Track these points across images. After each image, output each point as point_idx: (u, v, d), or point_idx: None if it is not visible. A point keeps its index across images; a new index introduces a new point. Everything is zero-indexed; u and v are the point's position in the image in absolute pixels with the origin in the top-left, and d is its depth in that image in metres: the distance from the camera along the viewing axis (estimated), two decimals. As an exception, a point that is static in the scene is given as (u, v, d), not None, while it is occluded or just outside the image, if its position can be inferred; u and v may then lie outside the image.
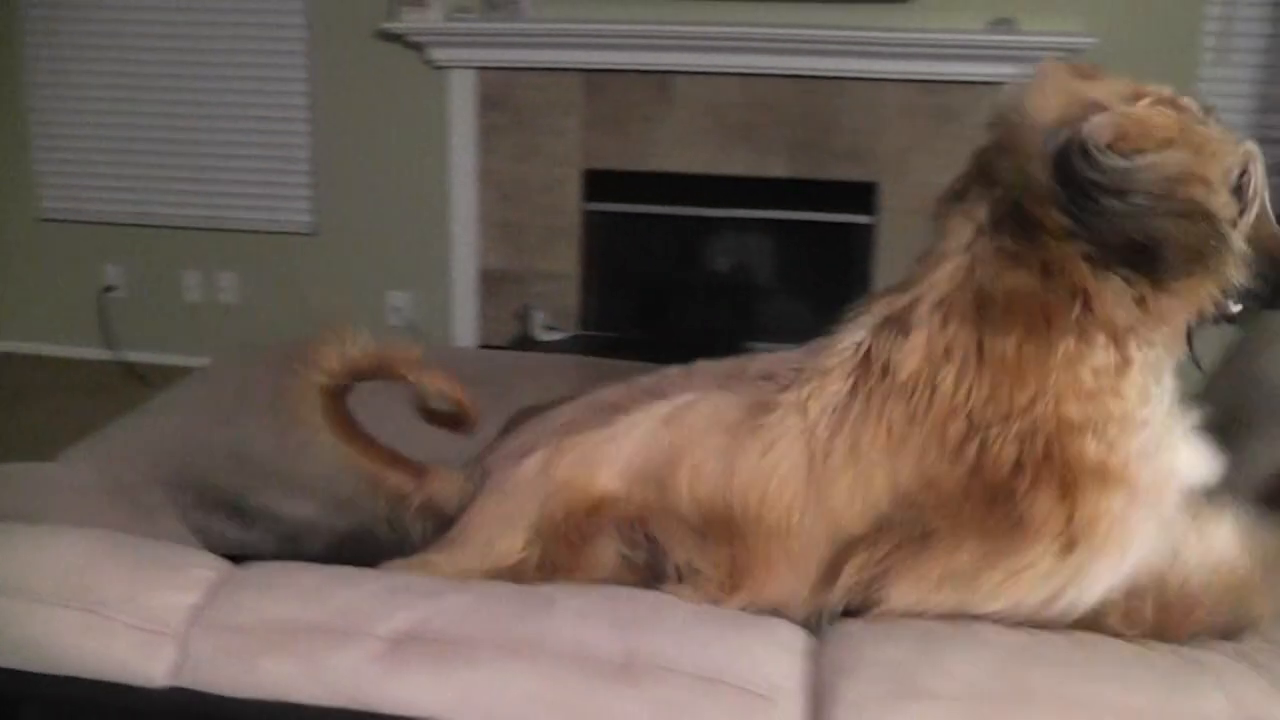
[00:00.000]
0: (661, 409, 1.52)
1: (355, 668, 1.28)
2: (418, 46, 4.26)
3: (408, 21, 4.18)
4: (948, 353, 1.38)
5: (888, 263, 4.23)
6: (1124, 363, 1.35)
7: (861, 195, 4.25)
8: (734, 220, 4.43)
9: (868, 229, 4.27)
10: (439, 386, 1.60)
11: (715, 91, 4.21)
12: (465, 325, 4.52)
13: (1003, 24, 4.04)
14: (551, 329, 4.37)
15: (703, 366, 1.64)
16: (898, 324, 1.42)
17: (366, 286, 4.59)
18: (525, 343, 4.35)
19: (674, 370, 1.66)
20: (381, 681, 1.27)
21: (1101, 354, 1.34)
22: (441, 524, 1.60)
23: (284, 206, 4.60)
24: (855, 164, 4.22)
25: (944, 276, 1.41)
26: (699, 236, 4.52)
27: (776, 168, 4.24)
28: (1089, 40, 3.98)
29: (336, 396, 1.59)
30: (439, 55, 4.25)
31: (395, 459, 1.63)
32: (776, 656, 1.33)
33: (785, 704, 1.27)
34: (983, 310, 1.37)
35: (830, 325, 1.49)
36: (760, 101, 4.20)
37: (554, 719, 1.25)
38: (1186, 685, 1.29)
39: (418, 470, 1.63)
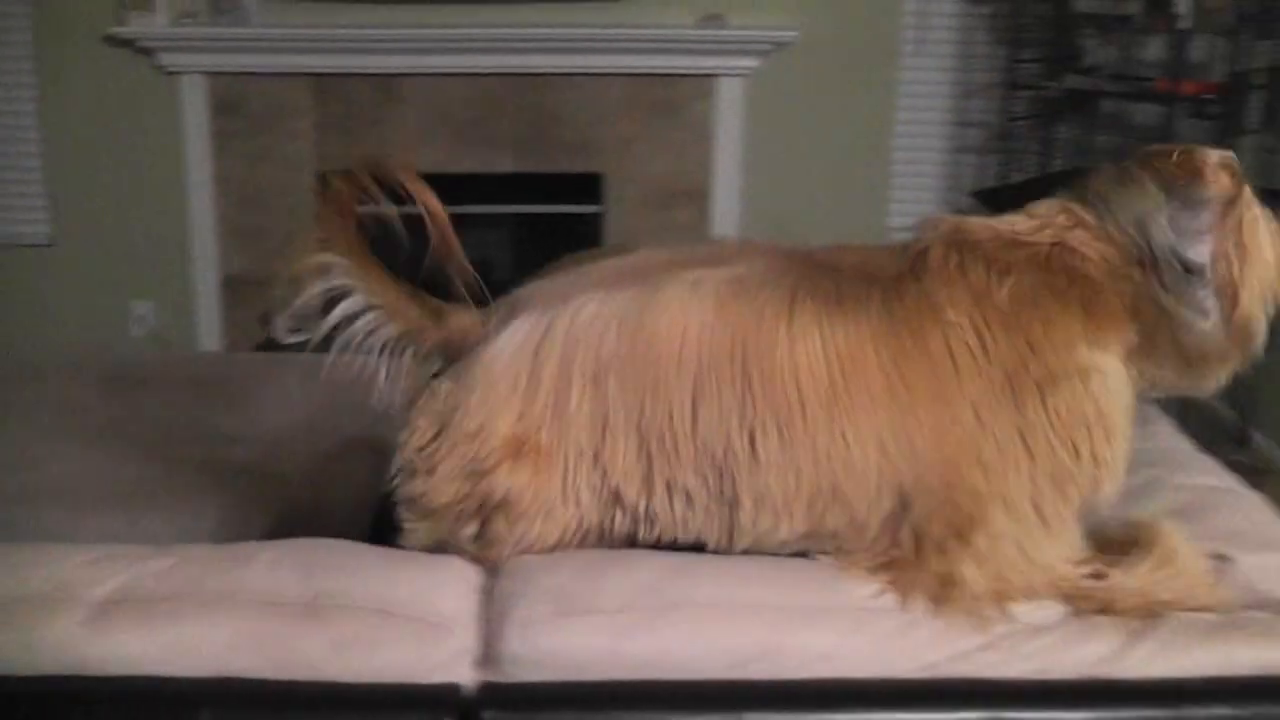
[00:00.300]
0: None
1: (65, 633, 1.39)
2: (147, 52, 4.32)
3: (134, 26, 4.23)
4: None
5: (615, 249, 4.42)
6: None
7: (588, 186, 4.45)
8: (468, 216, 4.56)
9: (596, 217, 4.50)
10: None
11: (441, 92, 4.37)
12: (210, 332, 4.57)
13: (712, 19, 4.29)
14: (295, 331, 4.41)
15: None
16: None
17: (108, 297, 4.59)
18: (271, 347, 4.39)
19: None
20: (90, 643, 1.39)
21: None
22: (452, 360, 1.61)
23: (18, 218, 4.57)
24: (580, 156, 4.43)
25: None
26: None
27: (505, 163, 4.43)
28: (793, 34, 4.23)
29: (360, 226, 1.65)
30: (168, 61, 4.31)
31: (414, 294, 1.66)
32: (453, 590, 1.50)
33: (459, 630, 1.45)
34: None
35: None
36: (485, 99, 4.38)
37: (250, 660, 1.40)
38: (833, 584, 1.50)
39: (436, 308, 1.66)
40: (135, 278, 4.58)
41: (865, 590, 1.49)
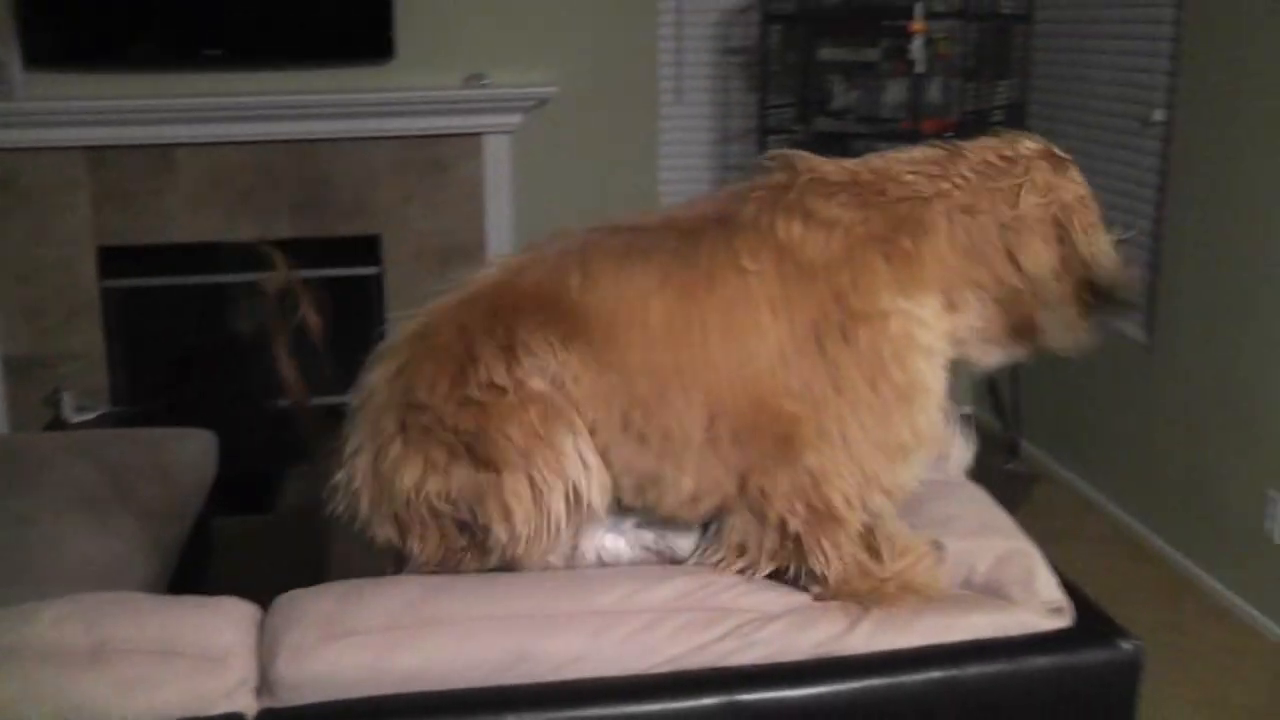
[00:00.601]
0: None
1: None
2: (-88, 128, 4.33)
3: (-106, 104, 4.24)
4: None
5: (397, 306, 4.60)
6: None
7: (366, 248, 4.61)
8: (248, 284, 4.68)
9: (375, 278, 4.63)
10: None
11: (217, 160, 4.45)
12: (-5, 413, 4.57)
13: (476, 79, 4.50)
14: (82, 409, 4.46)
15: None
16: None
17: (-114, 383, 4.57)
18: (58, 426, 4.39)
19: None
20: None
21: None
22: None
23: None
24: (357, 219, 4.57)
25: None
26: (217, 303, 4.70)
27: (281, 229, 4.50)
28: (552, 89, 4.50)
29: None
30: (-64, 138, 4.32)
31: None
32: (230, 625, 1.66)
33: (235, 662, 1.61)
34: None
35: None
36: (261, 166, 4.47)
37: (37, 711, 1.52)
38: (583, 592, 1.70)
39: None
40: (-85, 362, 4.56)
41: (610, 596, 1.69)
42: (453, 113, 4.49)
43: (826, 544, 1.70)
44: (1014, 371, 4.58)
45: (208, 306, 4.72)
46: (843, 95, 4.21)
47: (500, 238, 4.66)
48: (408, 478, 1.71)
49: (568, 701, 1.62)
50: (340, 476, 1.78)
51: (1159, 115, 3.86)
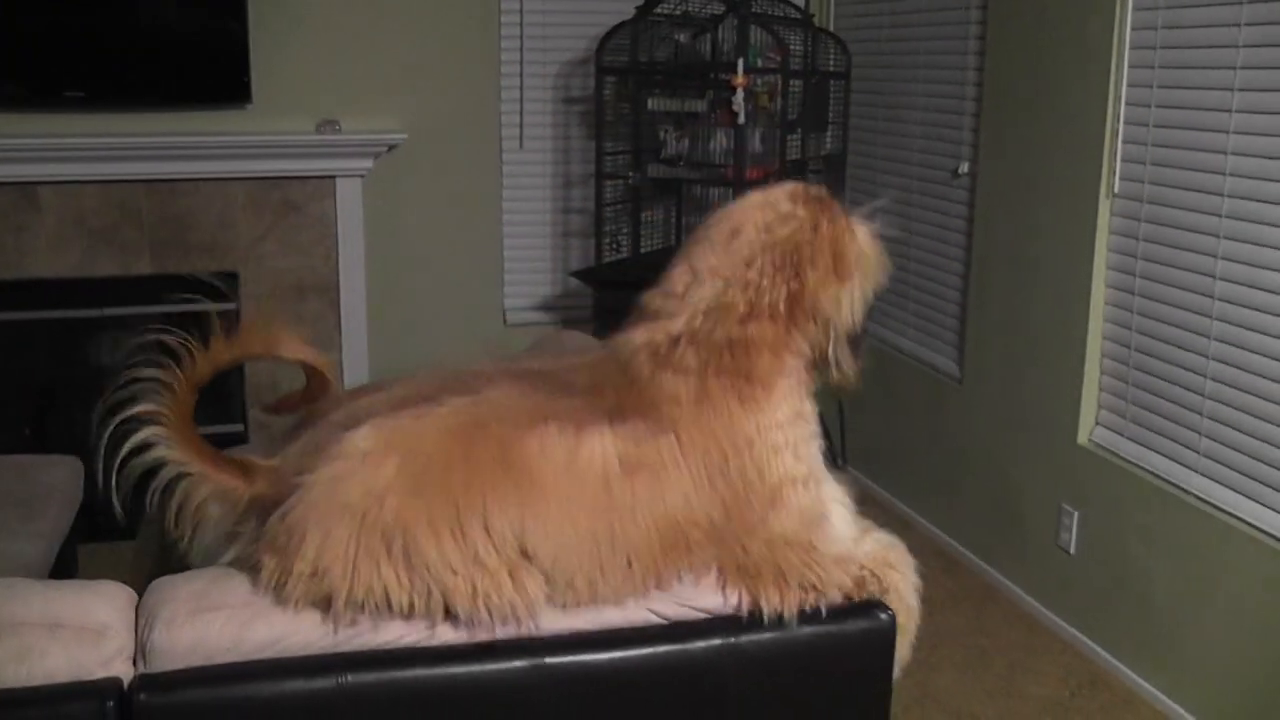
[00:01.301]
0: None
1: None
2: None
3: None
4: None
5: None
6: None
7: (224, 284, 4.81)
8: (110, 319, 4.87)
9: (234, 314, 4.83)
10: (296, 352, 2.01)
11: (79, 198, 4.64)
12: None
13: (329, 124, 4.78)
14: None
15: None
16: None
17: None
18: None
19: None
20: None
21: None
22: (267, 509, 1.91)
23: None
24: (214, 257, 4.79)
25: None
26: (80, 337, 4.88)
27: (142, 266, 4.71)
28: (401, 136, 4.79)
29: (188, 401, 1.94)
30: None
31: (222, 460, 1.96)
32: (110, 603, 1.90)
33: (113, 634, 1.86)
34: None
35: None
36: (121, 205, 4.66)
37: None
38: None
39: (245, 466, 1.97)
40: None
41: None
42: (306, 156, 4.75)
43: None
44: (839, 403, 4.98)
45: (72, 341, 4.88)
46: (674, 143, 4.57)
47: (353, 276, 4.94)
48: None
49: (395, 664, 1.89)
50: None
51: (964, 168, 4.28)
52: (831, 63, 4.61)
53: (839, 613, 2.08)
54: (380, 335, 5.01)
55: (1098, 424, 3.73)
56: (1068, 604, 3.84)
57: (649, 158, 4.64)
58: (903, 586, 2.20)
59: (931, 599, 3.91)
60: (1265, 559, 3.07)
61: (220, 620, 1.89)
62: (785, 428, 2.01)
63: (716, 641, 2.01)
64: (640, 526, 1.93)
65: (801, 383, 2.06)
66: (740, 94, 4.19)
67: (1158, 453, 3.48)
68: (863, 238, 2.10)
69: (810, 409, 2.08)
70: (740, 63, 4.18)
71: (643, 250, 4.83)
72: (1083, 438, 3.75)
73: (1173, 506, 3.38)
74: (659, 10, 4.42)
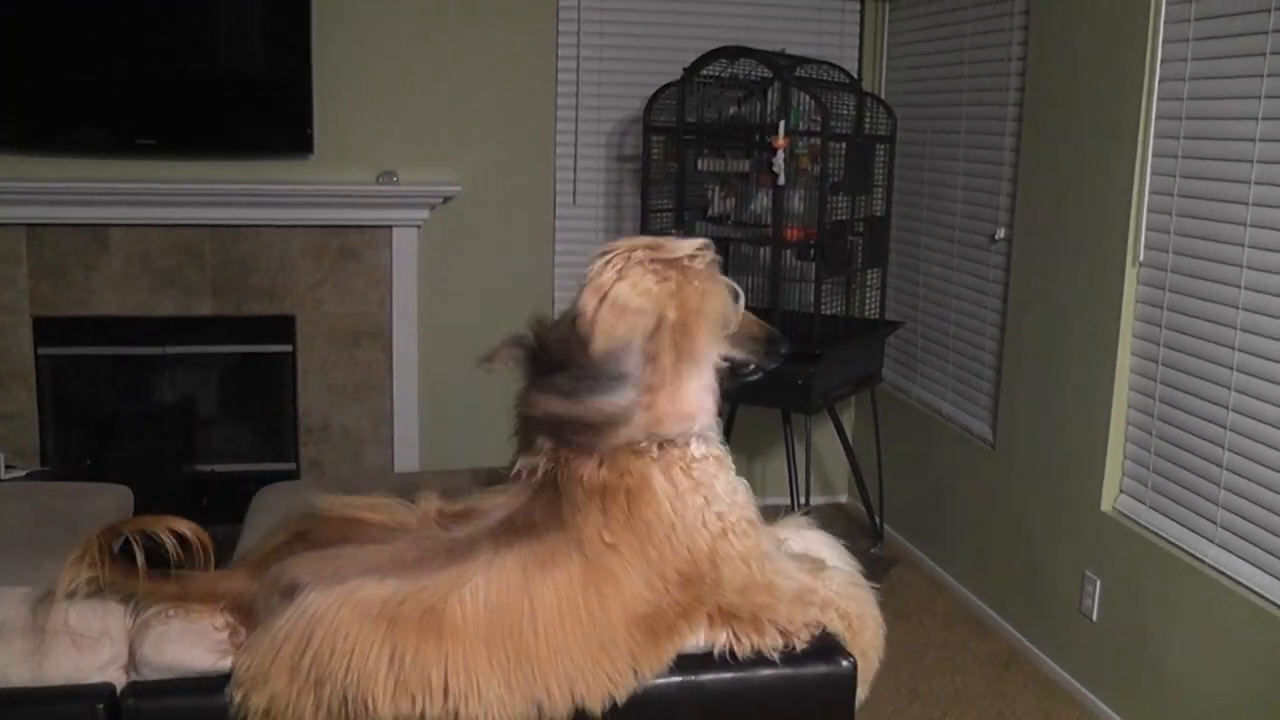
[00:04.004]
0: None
1: None
2: None
3: None
4: None
5: (308, 384, 5.12)
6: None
7: (282, 327, 5.11)
8: (173, 356, 5.19)
9: (290, 356, 5.14)
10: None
11: (145, 240, 4.97)
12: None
13: (387, 175, 5.05)
14: (11, 468, 4.91)
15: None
16: None
17: None
18: (-2, 481, 4.85)
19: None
20: None
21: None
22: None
23: None
24: (273, 300, 5.09)
25: None
26: (144, 373, 5.23)
27: (203, 307, 5.03)
28: (456, 188, 5.05)
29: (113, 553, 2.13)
30: (-113, 212, 4.81)
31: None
32: (104, 614, 2.13)
33: (109, 643, 2.10)
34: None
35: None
36: (185, 248, 4.99)
37: None
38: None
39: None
40: None
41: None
42: (365, 206, 5.02)
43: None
44: (879, 466, 5.11)
45: (133, 375, 5.20)
46: (720, 202, 4.75)
47: (406, 323, 5.20)
48: None
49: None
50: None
51: (1001, 234, 4.42)
52: (878, 127, 4.76)
53: (798, 657, 2.22)
54: (430, 381, 5.25)
55: (1121, 492, 3.82)
56: (1089, 670, 3.92)
57: (696, 216, 4.81)
58: (865, 617, 2.37)
59: (954, 661, 4.07)
60: (1277, 632, 3.13)
61: (202, 645, 2.12)
62: (689, 498, 2.18)
63: (677, 679, 2.17)
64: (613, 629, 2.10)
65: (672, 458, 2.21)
66: (780, 155, 4.35)
67: (1177, 522, 3.56)
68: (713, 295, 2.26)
69: (711, 467, 2.23)
70: (781, 125, 4.35)
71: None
72: (1106, 505, 3.84)
73: (1190, 577, 3.45)
74: (705, 73, 4.61)
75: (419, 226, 5.15)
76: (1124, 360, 3.76)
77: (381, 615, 2.02)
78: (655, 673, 2.13)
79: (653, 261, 2.25)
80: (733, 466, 2.30)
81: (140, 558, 2.11)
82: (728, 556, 2.18)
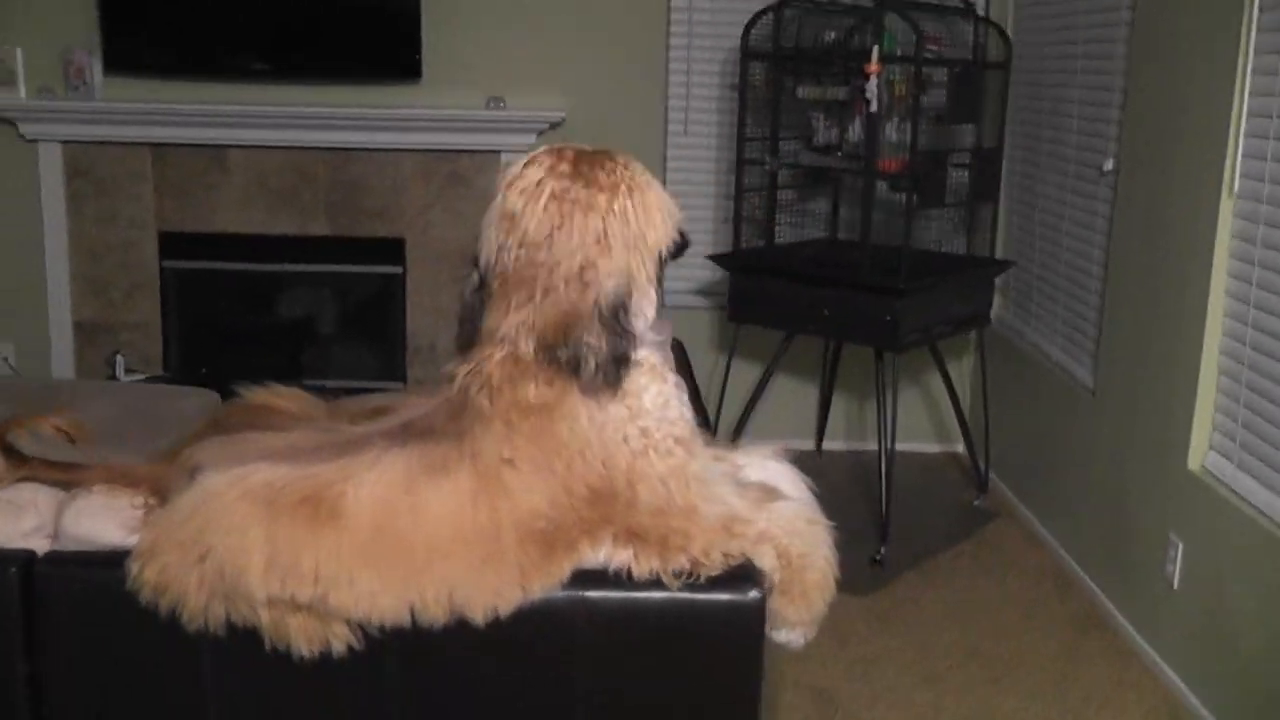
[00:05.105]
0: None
1: None
2: (10, 122, 5.22)
3: (-1, 99, 5.17)
4: None
5: (416, 305, 5.28)
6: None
7: (392, 249, 5.30)
8: (288, 274, 5.46)
9: (399, 277, 5.32)
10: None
11: (262, 162, 5.25)
12: (63, 370, 5.42)
13: (495, 101, 5.15)
14: (131, 370, 5.28)
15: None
16: None
17: (-27, 337, 5.50)
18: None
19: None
20: None
21: None
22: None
23: (-106, 268, 5.50)
24: (384, 222, 5.28)
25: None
26: (260, 288, 5.51)
27: (318, 227, 5.28)
28: (561, 114, 5.11)
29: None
30: (28, 130, 5.21)
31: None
32: (36, 488, 2.28)
33: (34, 513, 2.25)
34: None
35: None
36: (300, 170, 5.24)
37: None
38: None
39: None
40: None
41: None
42: (473, 130, 5.15)
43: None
44: (985, 413, 4.95)
45: (250, 290, 5.49)
46: (824, 130, 4.66)
47: (513, 247, 5.26)
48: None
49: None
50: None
51: (1109, 165, 4.19)
52: (991, 54, 4.58)
53: (701, 585, 2.13)
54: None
55: (1210, 449, 3.59)
56: (1166, 641, 3.72)
57: (800, 145, 4.74)
58: (811, 556, 2.24)
59: (1030, 621, 3.94)
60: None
61: (114, 520, 2.25)
62: (610, 409, 2.11)
63: (565, 593, 2.13)
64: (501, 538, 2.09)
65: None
66: (874, 82, 4.24)
67: (1265, 485, 3.30)
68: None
69: (642, 377, 2.15)
70: (875, 50, 4.24)
71: (782, 240, 4.88)
72: (1194, 463, 3.61)
73: (1274, 546, 3.20)
74: (799, -4, 4.53)
75: (526, 152, 5.19)
76: (1217, 302, 3.51)
77: (263, 498, 2.09)
78: (546, 588, 2.11)
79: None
80: (670, 378, 2.22)
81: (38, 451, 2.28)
82: (645, 475, 2.11)
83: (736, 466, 2.41)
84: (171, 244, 5.35)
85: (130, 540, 2.20)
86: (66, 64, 5.15)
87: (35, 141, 5.26)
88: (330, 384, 5.45)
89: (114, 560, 2.19)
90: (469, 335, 2.18)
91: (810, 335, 4.71)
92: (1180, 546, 3.62)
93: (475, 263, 2.16)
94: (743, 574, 2.15)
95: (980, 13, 4.77)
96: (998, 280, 4.98)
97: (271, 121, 5.14)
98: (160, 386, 4.10)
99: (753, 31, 4.61)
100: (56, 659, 2.24)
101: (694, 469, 2.17)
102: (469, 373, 2.15)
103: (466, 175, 5.22)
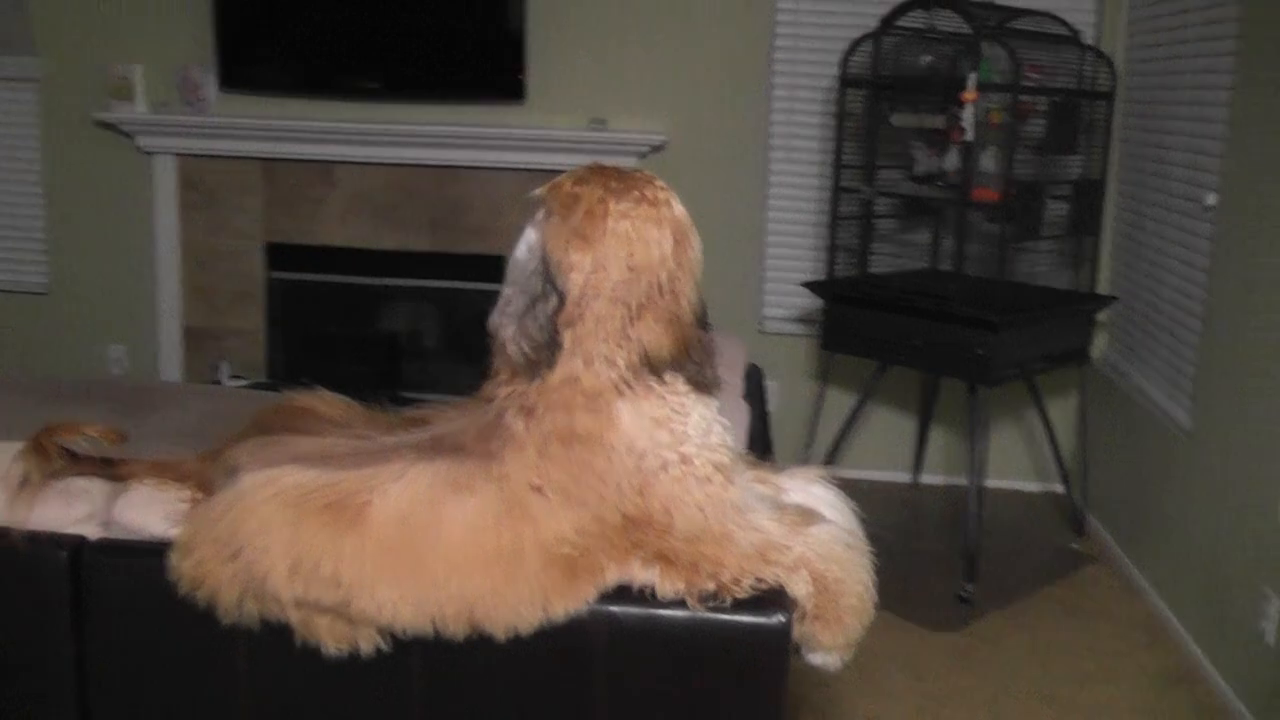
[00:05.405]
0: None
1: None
2: (128, 134, 5.46)
3: (118, 113, 5.40)
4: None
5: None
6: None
7: (492, 266, 5.35)
8: (390, 288, 5.58)
9: (498, 295, 5.37)
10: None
11: (368, 178, 5.39)
12: (171, 374, 5.62)
13: (598, 123, 5.22)
14: (235, 376, 5.45)
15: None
16: None
17: (90, 340, 5.74)
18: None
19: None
20: None
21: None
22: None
23: (22, 270, 5.78)
24: (485, 239, 5.37)
25: None
26: (362, 300, 5.64)
27: (420, 243, 5.40)
28: (663, 138, 5.15)
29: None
30: (145, 142, 5.44)
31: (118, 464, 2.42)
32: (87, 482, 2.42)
33: (88, 500, 2.38)
34: None
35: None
36: (403, 187, 5.37)
37: None
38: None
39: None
40: (113, 324, 5.70)
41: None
42: (575, 151, 5.19)
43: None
44: (1083, 453, 4.84)
45: (352, 302, 5.63)
46: (925, 160, 4.62)
47: (614, 270, 5.32)
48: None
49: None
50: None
51: (1211, 200, 4.09)
52: (1096, 84, 4.50)
53: (725, 606, 2.13)
54: (632, 330, 5.38)
55: (1305, 500, 3.48)
56: (1258, 700, 3.58)
57: (900, 174, 4.71)
58: (848, 581, 2.22)
59: (1115, 670, 3.84)
60: None
61: (160, 514, 2.35)
62: (654, 434, 2.12)
63: (588, 606, 2.13)
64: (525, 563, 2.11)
65: (647, 390, 2.13)
66: (969, 110, 4.21)
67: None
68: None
69: (687, 401, 2.15)
70: (971, 78, 4.20)
71: (879, 269, 4.83)
72: (1288, 513, 3.50)
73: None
74: (899, 24, 4.50)
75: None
76: (1317, 347, 3.42)
77: (292, 501, 2.16)
78: (570, 611, 2.12)
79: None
80: (714, 403, 2.22)
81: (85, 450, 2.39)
82: (681, 502, 2.11)
83: (780, 490, 2.41)
84: (278, 255, 5.52)
85: (173, 532, 2.28)
86: (183, 81, 5.37)
87: (151, 154, 5.48)
88: (429, 397, 5.55)
89: (157, 550, 2.27)
90: (546, 361, 2.12)
91: (902, 366, 4.66)
92: (1275, 602, 3.50)
93: (552, 284, 2.14)
94: (770, 598, 2.14)
95: (1089, 42, 4.69)
96: (1102, 317, 4.86)
97: (378, 138, 5.29)
98: (252, 392, 4.22)
99: (852, 59, 4.60)
100: (101, 642, 2.34)
101: (732, 496, 2.16)
102: (509, 395, 2.17)
103: (566, 196, 5.27)
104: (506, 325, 2.21)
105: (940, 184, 4.60)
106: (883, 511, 5.20)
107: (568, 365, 2.09)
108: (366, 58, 5.27)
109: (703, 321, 2.19)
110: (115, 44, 5.44)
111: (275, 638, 2.18)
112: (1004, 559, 4.71)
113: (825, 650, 2.26)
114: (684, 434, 2.12)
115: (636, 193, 2.12)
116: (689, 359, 2.12)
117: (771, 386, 5.43)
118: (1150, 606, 4.38)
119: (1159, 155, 4.57)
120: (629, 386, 2.09)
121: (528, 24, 5.17)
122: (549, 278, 2.14)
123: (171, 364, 5.62)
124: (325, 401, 2.51)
